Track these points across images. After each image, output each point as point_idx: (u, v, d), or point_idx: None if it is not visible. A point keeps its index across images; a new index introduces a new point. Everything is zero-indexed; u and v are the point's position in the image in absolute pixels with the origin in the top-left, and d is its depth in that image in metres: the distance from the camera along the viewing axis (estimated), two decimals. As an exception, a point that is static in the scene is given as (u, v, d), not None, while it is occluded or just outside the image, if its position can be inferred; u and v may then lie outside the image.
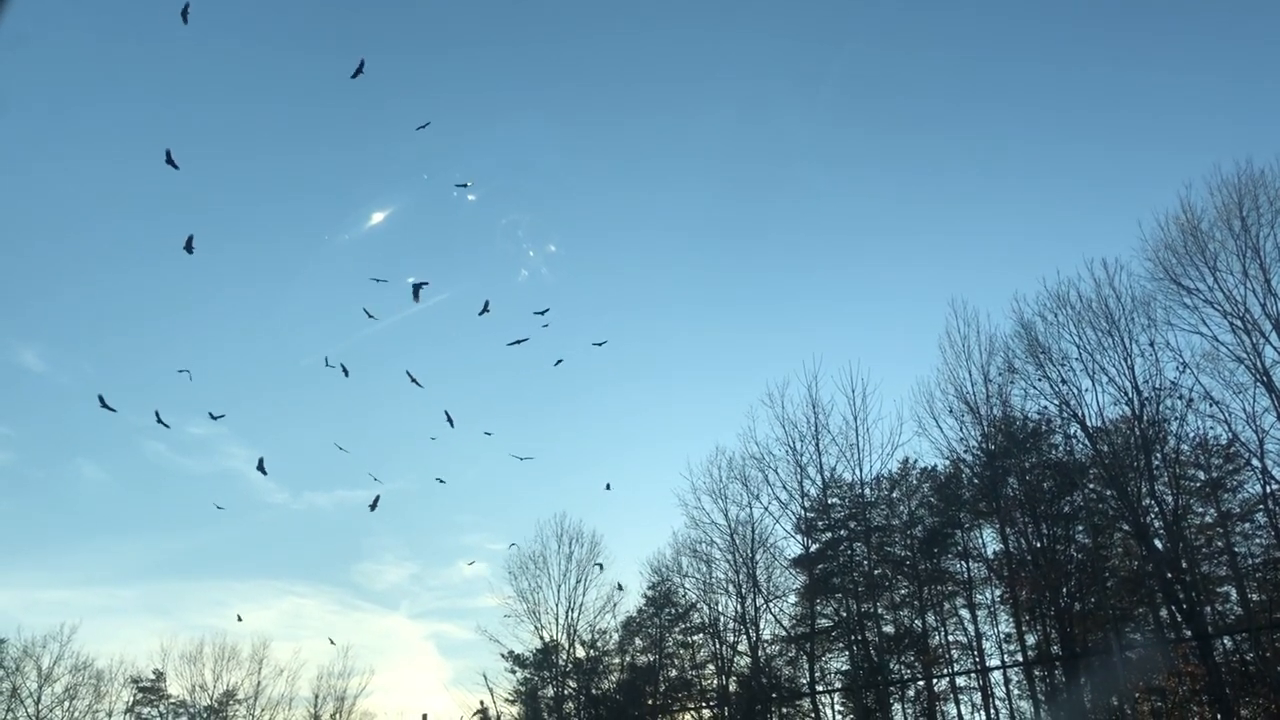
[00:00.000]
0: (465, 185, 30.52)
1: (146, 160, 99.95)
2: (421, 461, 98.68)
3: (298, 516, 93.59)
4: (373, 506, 33.23)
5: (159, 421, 28.63)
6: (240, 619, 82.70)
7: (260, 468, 30.83)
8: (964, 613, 45.35)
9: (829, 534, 46.26)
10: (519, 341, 31.57)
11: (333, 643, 63.55)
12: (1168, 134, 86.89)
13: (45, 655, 60.31)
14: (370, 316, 31.37)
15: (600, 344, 40.59)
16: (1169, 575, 35.13)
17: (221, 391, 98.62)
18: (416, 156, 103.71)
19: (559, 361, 34.02)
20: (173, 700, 63.24)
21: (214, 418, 34.77)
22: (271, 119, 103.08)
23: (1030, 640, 41.88)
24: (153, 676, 63.52)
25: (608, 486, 60.40)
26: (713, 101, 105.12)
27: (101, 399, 27.50)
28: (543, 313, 31.83)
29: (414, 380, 32.25)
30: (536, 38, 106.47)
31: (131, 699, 62.94)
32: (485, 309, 30.98)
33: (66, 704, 60.39)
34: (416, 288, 28.52)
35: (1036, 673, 40.64)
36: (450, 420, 31.53)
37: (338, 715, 62.06)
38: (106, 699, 61.95)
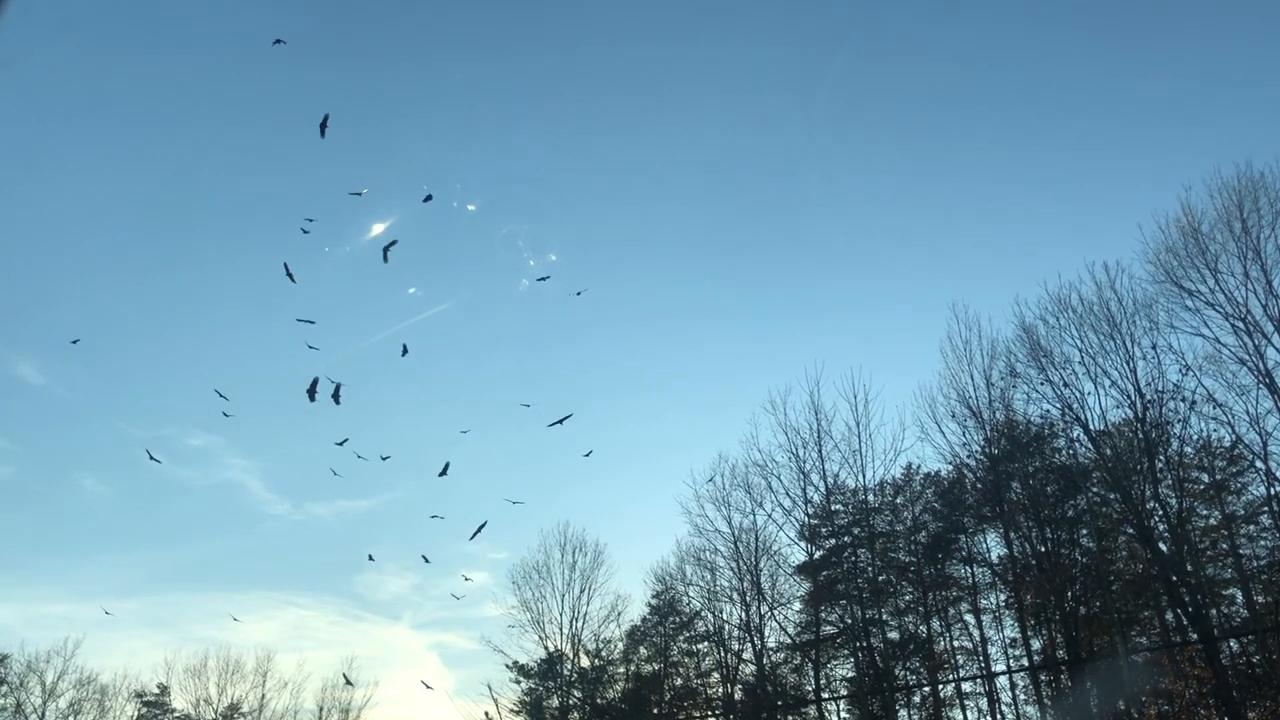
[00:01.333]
0: (359, 193, 30.49)
1: (143, 172, 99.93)
2: (420, 472, 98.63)
3: (299, 528, 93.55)
4: (443, 473, 32.48)
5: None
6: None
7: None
8: (969, 618, 45.32)
9: (833, 540, 46.22)
10: (562, 420, 31.55)
11: (349, 681, 61.61)
12: (1167, 137, 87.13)
13: (49, 670, 60.38)
14: (313, 349, 31.23)
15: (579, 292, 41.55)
16: (1174, 578, 35.05)
17: (219, 403, 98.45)
18: (416, 167, 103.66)
19: (405, 350, 34.07)
20: (177, 714, 63.24)
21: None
22: (269, 131, 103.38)
23: (1035, 645, 41.83)
24: (157, 690, 63.48)
25: (710, 480, 56.33)
26: (710, 109, 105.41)
27: (321, 388, 26.12)
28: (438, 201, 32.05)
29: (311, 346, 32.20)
30: (534, 49, 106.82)
31: (136, 713, 62.93)
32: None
33: (71, 719, 60.41)
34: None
35: (1042, 677, 40.53)
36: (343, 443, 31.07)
37: (343, 728, 61.92)
38: (111, 714, 61.98)
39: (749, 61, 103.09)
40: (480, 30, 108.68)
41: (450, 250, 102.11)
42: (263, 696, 62.68)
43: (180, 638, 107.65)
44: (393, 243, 27.75)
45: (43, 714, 59.67)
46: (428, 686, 41.10)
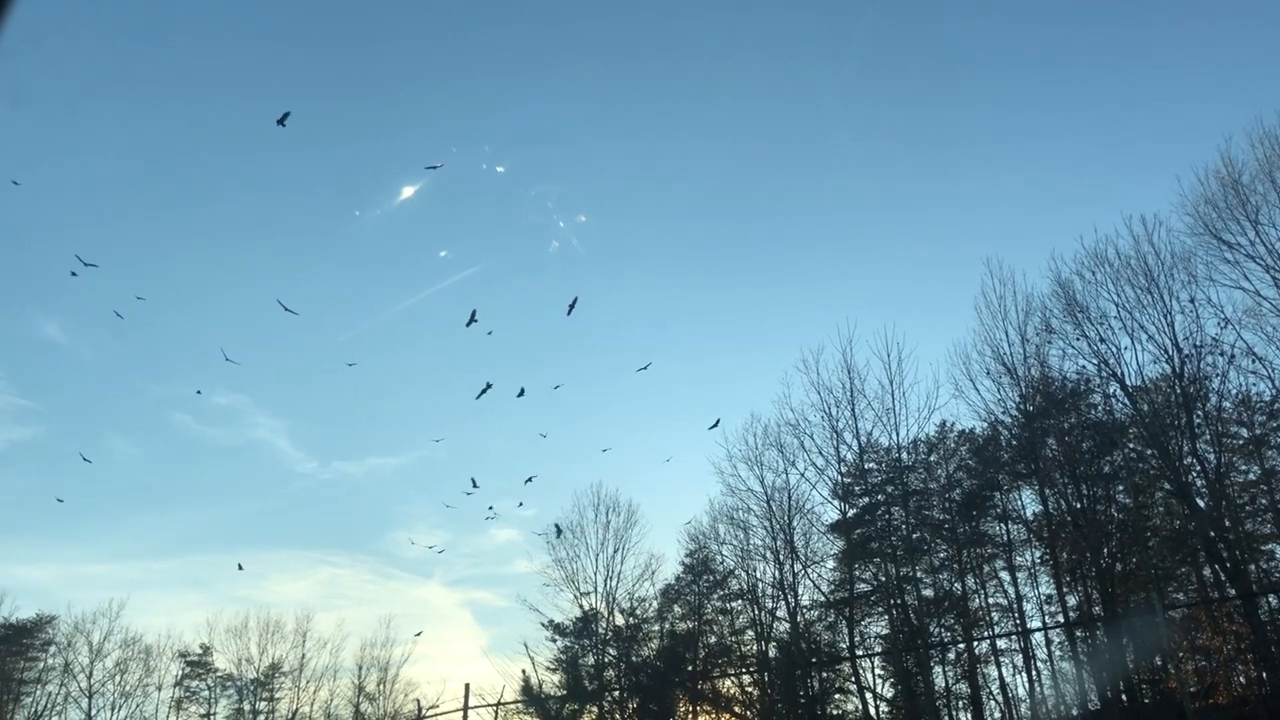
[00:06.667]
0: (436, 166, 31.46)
1: (172, 135, 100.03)
2: (447, 429, 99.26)
3: (329, 486, 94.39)
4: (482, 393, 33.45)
5: None
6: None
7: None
8: (1004, 575, 45.19)
9: (866, 499, 46.19)
10: (485, 389, 32.63)
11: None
12: (1207, 86, 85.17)
13: (95, 631, 61.90)
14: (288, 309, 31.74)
15: None
16: (1212, 534, 34.83)
17: (249, 363, 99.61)
18: (445, 130, 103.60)
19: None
20: (220, 674, 64.55)
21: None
22: (299, 96, 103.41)
23: (1071, 601, 41.73)
24: (200, 651, 64.82)
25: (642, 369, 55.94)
26: (741, 63, 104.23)
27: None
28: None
29: (286, 308, 33.51)
30: (562, 7, 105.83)
31: (180, 673, 64.35)
32: (472, 319, 31.21)
33: (118, 678, 61.97)
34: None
35: (1078, 634, 40.44)
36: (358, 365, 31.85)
37: (382, 685, 63.03)
38: (156, 674, 63.46)
39: (779, 15, 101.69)
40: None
41: (480, 213, 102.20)
42: (303, 656, 63.94)
43: (218, 597, 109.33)
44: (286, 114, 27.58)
45: (90, 674, 61.29)
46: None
